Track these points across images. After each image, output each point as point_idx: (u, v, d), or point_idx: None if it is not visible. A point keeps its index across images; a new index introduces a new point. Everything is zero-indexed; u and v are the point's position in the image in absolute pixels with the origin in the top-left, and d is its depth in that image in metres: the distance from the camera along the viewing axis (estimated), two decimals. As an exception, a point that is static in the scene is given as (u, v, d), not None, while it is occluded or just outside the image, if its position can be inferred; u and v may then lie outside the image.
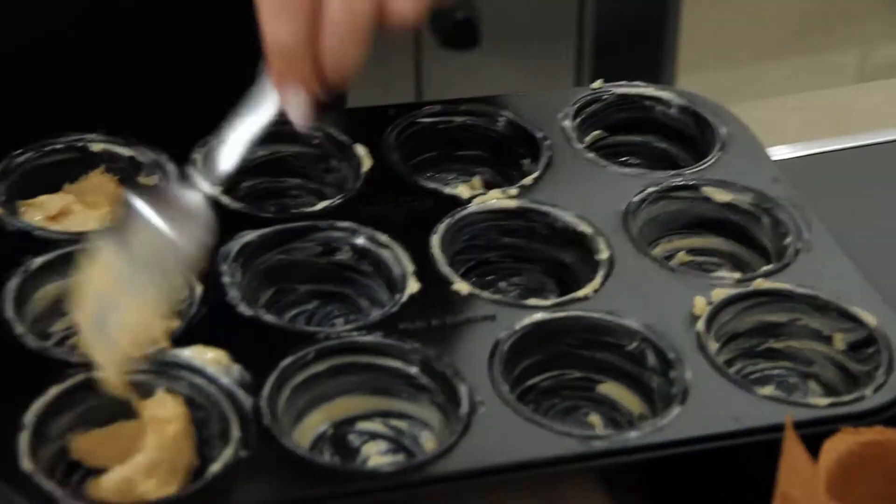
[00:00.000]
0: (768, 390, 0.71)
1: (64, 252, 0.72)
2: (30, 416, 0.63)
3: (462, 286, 0.74)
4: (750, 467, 0.68)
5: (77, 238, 0.73)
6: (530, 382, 0.72)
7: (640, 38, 2.19)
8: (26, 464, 0.61)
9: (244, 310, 0.70)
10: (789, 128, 0.94)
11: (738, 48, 2.24)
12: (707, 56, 2.19)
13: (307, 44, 0.62)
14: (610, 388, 0.73)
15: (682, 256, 0.82)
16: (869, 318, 0.74)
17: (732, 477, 0.69)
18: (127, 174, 0.80)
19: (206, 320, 0.70)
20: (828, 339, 0.75)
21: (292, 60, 0.63)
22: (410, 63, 2.02)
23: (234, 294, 0.71)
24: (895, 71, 2.34)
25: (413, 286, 0.73)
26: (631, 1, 2.15)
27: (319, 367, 0.68)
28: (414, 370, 0.69)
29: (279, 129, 0.83)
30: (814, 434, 0.63)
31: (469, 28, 1.96)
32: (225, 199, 0.77)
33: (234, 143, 0.67)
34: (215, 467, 0.62)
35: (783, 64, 2.26)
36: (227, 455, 0.62)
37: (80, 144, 0.80)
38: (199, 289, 0.71)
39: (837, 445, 0.66)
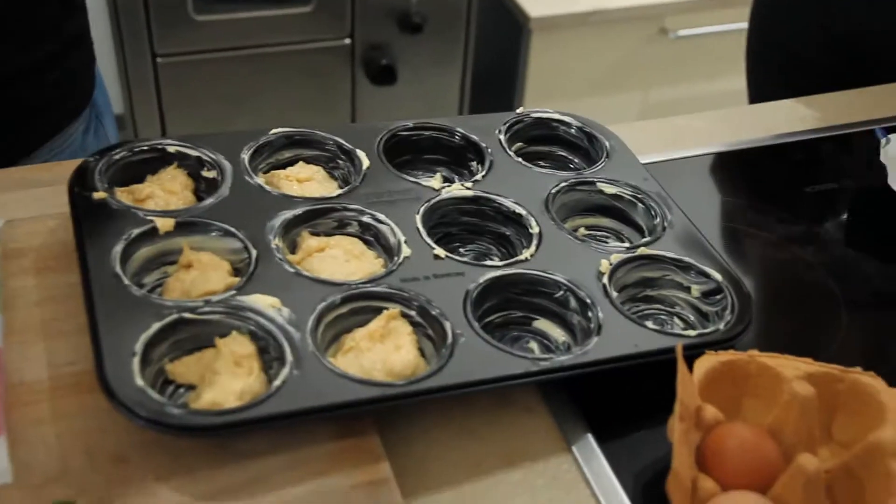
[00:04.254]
0: (649, 324, 0.69)
1: (152, 226, 0.67)
2: (139, 345, 0.58)
3: (440, 251, 0.70)
4: (641, 378, 0.66)
5: (160, 214, 0.68)
6: (488, 319, 0.69)
7: (500, 78, 2.19)
8: (139, 381, 0.56)
9: (288, 267, 0.66)
10: (641, 144, 0.92)
11: (567, 87, 2.23)
12: (545, 92, 2.19)
13: None
14: (542, 324, 0.70)
15: (582, 231, 0.79)
16: (716, 275, 0.73)
17: (632, 384, 0.67)
18: (194, 169, 0.74)
19: (261, 275, 0.65)
20: (687, 289, 0.74)
21: None
22: (348, 94, 1.99)
23: (280, 256, 0.67)
24: (668, 108, 2.36)
25: (406, 251, 0.70)
26: (494, 51, 2.16)
27: (343, 309, 0.65)
28: (413, 312, 0.65)
29: (302, 138, 0.79)
30: (687, 356, 0.62)
31: (390, 71, 1.96)
32: (269, 188, 0.73)
33: None
34: (277, 382, 0.58)
35: (591, 100, 2.27)
36: (284, 373, 0.58)
37: (159, 146, 0.74)
38: (255, 252, 0.67)
39: (704, 364, 0.65)
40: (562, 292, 0.70)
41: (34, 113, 0.87)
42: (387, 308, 0.65)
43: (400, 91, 2.04)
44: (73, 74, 0.91)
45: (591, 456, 0.63)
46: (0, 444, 0.55)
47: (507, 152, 0.82)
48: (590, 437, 0.64)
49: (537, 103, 2.17)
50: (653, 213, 0.79)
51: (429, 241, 0.71)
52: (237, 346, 0.60)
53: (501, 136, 0.84)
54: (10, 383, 0.60)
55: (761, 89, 1.27)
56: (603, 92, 2.27)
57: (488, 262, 0.71)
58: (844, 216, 0.91)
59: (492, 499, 0.60)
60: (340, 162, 0.78)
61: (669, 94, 2.37)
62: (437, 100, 2.13)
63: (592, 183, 0.81)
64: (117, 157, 0.72)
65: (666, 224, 0.77)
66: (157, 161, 0.74)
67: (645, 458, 0.64)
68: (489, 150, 0.82)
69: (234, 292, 0.63)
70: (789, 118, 1.02)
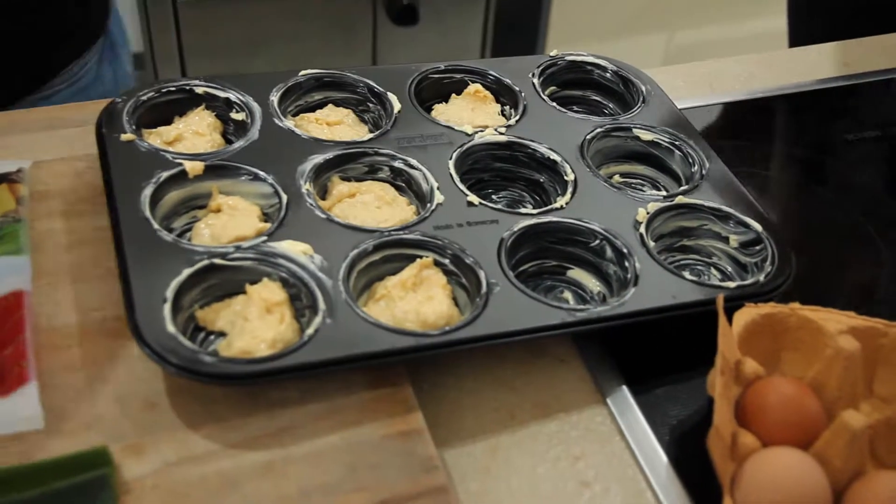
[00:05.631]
0: (687, 275, 0.67)
1: (181, 169, 0.66)
2: (170, 291, 0.57)
3: (473, 198, 0.69)
4: (675, 329, 0.65)
5: (189, 157, 0.67)
6: (521, 268, 0.68)
7: (523, 19, 2.15)
8: (170, 327, 0.55)
9: (319, 213, 0.65)
10: (675, 88, 0.90)
11: (592, 29, 2.19)
12: (569, 35, 2.15)
13: None
14: (577, 274, 0.69)
15: (617, 178, 0.78)
16: (755, 225, 0.71)
17: (666, 335, 0.66)
18: (222, 111, 0.73)
19: (292, 221, 0.64)
20: (725, 240, 0.72)
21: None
22: (369, 35, 1.96)
23: (311, 202, 0.65)
24: (693, 52, 2.32)
25: (439, 197, 0.68)
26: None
27: (375, 256, 0.64)
28: (446, 260, 0.64)
29: (332, 80, 0.78)
30: (725, 308, 0.60)
31: (412, 11, 1.92)
32: (299, 131, 0.71)
33: None
34: (309, 331, 0.57)
35: (616, 43, 2.23)
36: (317, 321, 0.58)
37: (187, 87, 0.72)
38: (285, 197, 0.65)
39: (744, 316, 0.63)
40: (598, 241, 0.68)
41: (51, 39, 0.87)
42: (420, 256, 0.64)
43: (422, 32, 2.00)
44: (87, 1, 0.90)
45: (626, 408, 0.62)
46: (31, 390, 0.55)
47: (541, 96, 0.80)
48: (624, 389, 0.63)
49: (560, 46, 2.14)
50: (690, 160, 0.77)
51: (462, 187, 0.69)
52: (268, 292, 0.59)
53: (535, 80, 0.82)
54: (40, 327, 0.59)
55: (802, 32, 1.24)
56: (628, 33, 2.23)
57: (522, 210, 0.70)
58: (887, 165, 0.89)
59: (525, 449, 0.59)
60: (371, 105, 0.77)
61: (695, 37, 2.32)
62: (459, 41, 2.10)
63: (628, 129, 0.79)
64: (145, 97, 0.71)
65: (704, 172, 0.76)
66: (186, 102, 0.72)
67: (680, 410, 0.63)
68: (523, 93, 0.80)
69: (264, 238, 0.62)
70: (831, 62, 0.99)
